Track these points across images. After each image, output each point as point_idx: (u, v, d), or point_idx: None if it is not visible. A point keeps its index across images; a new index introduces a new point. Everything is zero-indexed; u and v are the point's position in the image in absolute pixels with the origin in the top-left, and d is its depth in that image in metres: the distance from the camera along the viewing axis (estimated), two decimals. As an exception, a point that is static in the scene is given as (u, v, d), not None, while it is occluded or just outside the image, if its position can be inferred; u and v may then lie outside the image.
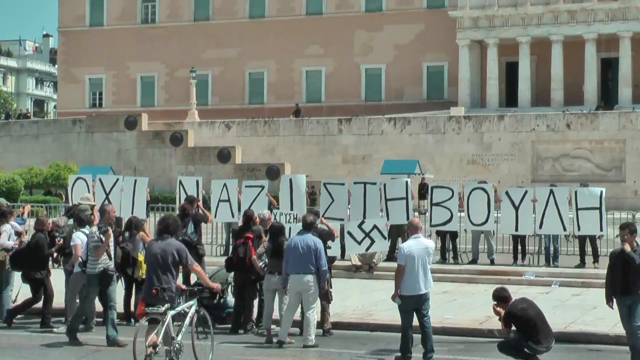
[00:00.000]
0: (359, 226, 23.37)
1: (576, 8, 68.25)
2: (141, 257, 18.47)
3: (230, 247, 27.53)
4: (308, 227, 16.83)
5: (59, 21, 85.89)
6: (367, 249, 23.70)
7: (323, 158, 61.91)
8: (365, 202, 25.33)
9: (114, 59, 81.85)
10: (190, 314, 13.87)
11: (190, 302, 14.06)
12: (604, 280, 23.47)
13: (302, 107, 73.90)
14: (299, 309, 16.70)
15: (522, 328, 14.06)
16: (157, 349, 13.18)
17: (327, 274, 16.77)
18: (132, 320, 18.64)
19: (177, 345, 13.43)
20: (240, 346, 16.58)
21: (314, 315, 16.46)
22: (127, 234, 19.31)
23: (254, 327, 17.81)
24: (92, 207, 20.98)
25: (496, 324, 16.77)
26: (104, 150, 64.27)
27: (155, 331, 13.37)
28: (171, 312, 13.57)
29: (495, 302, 14.45)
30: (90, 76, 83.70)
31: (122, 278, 19.09)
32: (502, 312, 14.28)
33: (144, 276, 17.79)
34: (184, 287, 14.52)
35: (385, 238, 23.62)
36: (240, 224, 24.23)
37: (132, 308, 18.77)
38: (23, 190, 54.71)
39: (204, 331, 14.39)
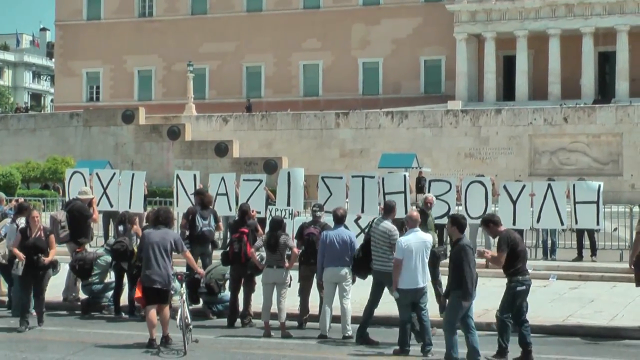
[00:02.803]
0: (355, 221, 23.32)
1: (574, 2, 68.30)
2: (135, 249, 18.55)
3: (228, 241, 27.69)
4: (340, 220, 17.04)
5: (56, 15, 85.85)
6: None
7: (320, 152, 61.92)
8: (364, 196, 25.26)
9: (111, 53, 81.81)
10: (184, 298, 15.65)
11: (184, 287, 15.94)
12: (601, 274, 23.71)
13: (300, 100, 73.92)
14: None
15: (513, 254, 14.51)
16: (190, 326, 15.29)
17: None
18: (122, 313, 18.63)
19: (189, 322, 15.35)
20: (237, 339, 16.59)
21: (350, 305, 16.69)
22: (121, 228, 19.32)
23: (252, 320, 17.80)
24: (91, 200, 20.97)
25: (493, 318, 16.77)
26: (101, 144, 64.22)
27: (181, 309, 15.19)
28: (185, 294, 15.70)
29: (486, 226, 15.00)
30: (87, 70, 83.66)
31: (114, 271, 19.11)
32: (489, 255, 14.78)
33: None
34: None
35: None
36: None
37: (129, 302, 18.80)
38: (20, 184, 54.69)
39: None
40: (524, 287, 14.56)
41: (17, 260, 17.43)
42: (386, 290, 16.11)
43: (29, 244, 17.40)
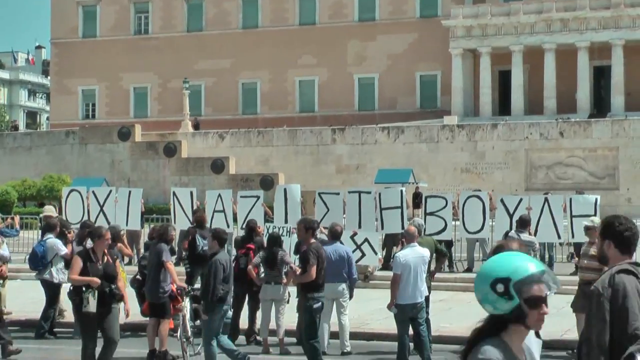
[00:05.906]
0: (351, 237, 23.34)
1: (569, 17, 68.47)
2: (121, 269, 18.53)
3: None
4: (337, 236, 16.97)
5: (51, 32, 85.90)
6: (357, 261, 23.71)
7: (317, 168, 61.87)
8: (360, 212, 25.31)
9: (106, 70, 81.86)
10: (184, 312, 16.13)
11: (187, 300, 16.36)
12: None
13: (296, 116, 73.97)
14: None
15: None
16: (191, 339, 16.00)
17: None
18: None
19: (189, 336, 16.01)
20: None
21: (348, 321, 16.75)
22: None
23: (257, 338, 17.72)
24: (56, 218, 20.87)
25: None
26: (97, 162, 64.13)
27: (182, 323, 15.86)
28: (187, 307, 16.17)
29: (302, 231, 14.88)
30: (83, 87, 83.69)
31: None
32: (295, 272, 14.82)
33: (126, 287, 18.05)
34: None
35: (375, 253, 23.60)
36: (235, 234, 24.22)
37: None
38: (16, 202, 54.61)
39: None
40: (320, 304, 14.59)
41: (87, 292, 13.20)
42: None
43: (98, 273, 13.39)
